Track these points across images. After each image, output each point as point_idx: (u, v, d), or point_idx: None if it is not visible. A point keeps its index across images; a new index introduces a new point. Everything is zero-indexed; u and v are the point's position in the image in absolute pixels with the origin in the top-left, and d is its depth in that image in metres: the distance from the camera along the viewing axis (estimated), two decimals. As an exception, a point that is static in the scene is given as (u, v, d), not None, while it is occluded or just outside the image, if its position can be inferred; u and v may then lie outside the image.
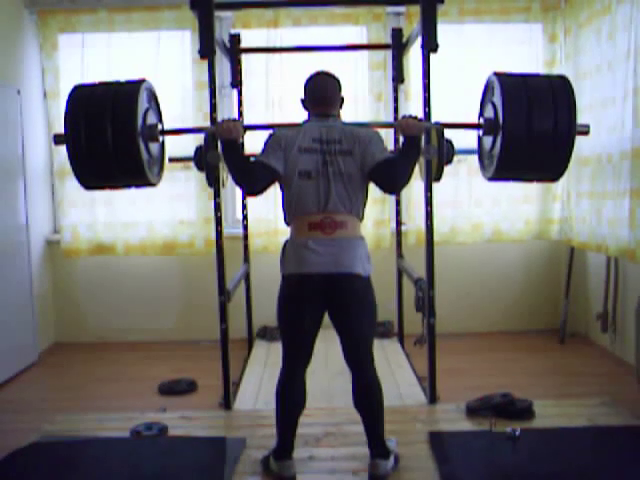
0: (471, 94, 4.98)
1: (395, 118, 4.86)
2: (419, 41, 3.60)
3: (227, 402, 3.75)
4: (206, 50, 3.54)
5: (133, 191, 5.04)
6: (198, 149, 3.95)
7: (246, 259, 4.89)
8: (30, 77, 4.98)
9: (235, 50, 4.71)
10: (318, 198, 2.75)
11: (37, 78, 5.08)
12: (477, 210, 5.12)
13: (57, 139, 2.79)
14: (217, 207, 3.69)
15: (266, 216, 5.13)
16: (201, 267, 4.52)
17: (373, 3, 4.91)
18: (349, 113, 5.06)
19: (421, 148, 2.89)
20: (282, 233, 5.12)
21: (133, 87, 2.87)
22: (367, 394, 2.83)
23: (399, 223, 4.97)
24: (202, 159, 3.80)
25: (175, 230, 5.16)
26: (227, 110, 5.17)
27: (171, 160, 4.25)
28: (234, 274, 4.12)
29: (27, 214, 4.75)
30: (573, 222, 4.84)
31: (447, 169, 3.94)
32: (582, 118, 4.59)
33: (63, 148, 4.97)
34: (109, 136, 2.71)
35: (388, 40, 4.86)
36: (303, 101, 2.95)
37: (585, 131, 2.87)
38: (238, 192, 5.05)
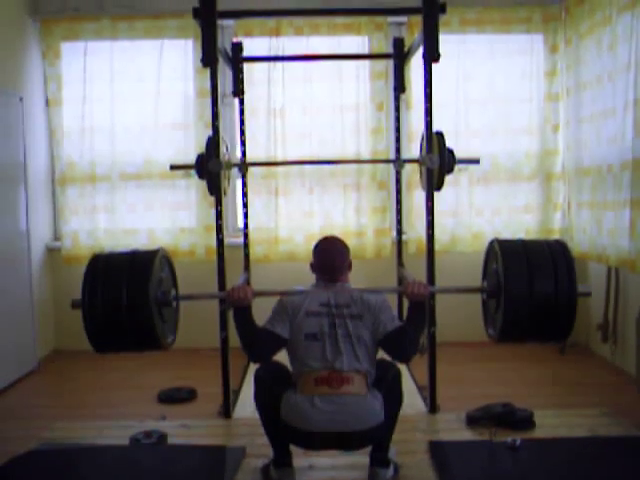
0: (472, 104, 5.06)
1: (397, 128, 4.88)
2: (421, 51, 3.61)
3: (227, 410, 3.74)
4: (208, 59, 3.55)
5: (134, 198, 5.14)
6: (200, 157, 3.96)
7: (246, 267, 4.89)
8: (33, 85, 5.00)
9: (237, 59, 4.73)
10: (325, 357, 2.76)
11: (40, 86, 5.10)
12: (478, 219, 5.12)
13: (74, 304, 2.86)
14: (218, 215, 3.70)
15: (267, 224, 5.14)
16: (202, 275, 4.51)
17: (375, 13, 4.93)
18: (350, 122, 5.10)
19: (427, 313, 2.96)
20: (282, 241, 5.14)
21: (148, 257, 2.95)
22: (387, 402, 2.81)
23: (400, 232, 4.98)
24: (204, 167, 3.80)
25: (176, 238, 5.16)
26: (229, 118, 5.19)
27: (172, 168, 4.27)
28: (234, 282, 4.12)
29: (28, 221, 4.75)
30: (573, 232, 4.84)
31: (448, 178, 3.96)
32: (583, 129, 4.66)
33: (64, 155, 5.09)
34: (124, 306, 2.80)
35: (390, 50, 4.89)
36: (312, 265, 3.02)
37: (587, 293, 2.93)
38: (239, 200, 5.05)
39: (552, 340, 3.10)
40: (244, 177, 4.80)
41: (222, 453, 3.25)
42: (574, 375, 4.45)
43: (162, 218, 5.17)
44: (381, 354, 2.87)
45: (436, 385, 3.73)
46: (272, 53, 5.04)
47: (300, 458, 3.00)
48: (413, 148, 4.98)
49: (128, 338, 2.88)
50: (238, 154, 4.92)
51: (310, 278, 3.04)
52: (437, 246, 3.77)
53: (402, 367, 4.45)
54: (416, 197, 5.06)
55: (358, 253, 5.00)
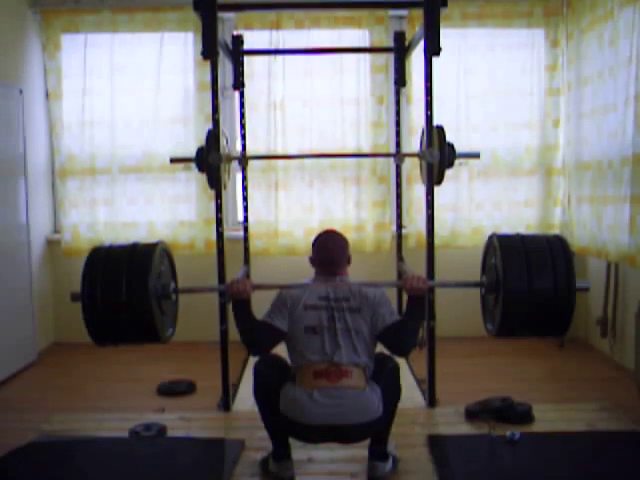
0: (473, 98, 5.05)
1: (397, 122, 4.88)
2: (421, 45, 3.61)
3: (226, 403, 3.75)
4: (209, 51, 3.54)
5: (134, 191, 5.13)
6: (200, 150, 3.95)
7: (246, 261, 4.89)
8: (32, 77, 4.99)
9: (238, 52, 4.72)
10: (324, 350, 2.77)
11: (39, 78, 5.09)
12: (478, 214, 5.12)
13: (74, 296, 2.87)
14: (218, 208, 3.69)
15: (267, 218, 5.13)
16: (201, 268, 4.53)
17: (376, 6, 4.92)
18: (350, 115, 5.09)
19: (425, 308, 3.01)
20: (282, 235, 5.14)
21: (148, 250, 2.96)
22: (386, 395, 2.82)
23: (400, 226, 4.98)
24: (204, 160, 3.80)
25: (175, 231, 5.16)
26: (229, 112, 5.18)
27: (172, 161, 4.26)
28: (234, 275, 4.12)
29: (28, 213, 4.75)
30: (573, 227, 4.84)
31: (448, 172, 3.95)
32: (583, 124, 4.66)
33: (64, 148, 5.09)
34: (123, 299, 2.81)
35: (390, 43, 4.88)
36: (311, 259, 3.02)
37: (586, 288, 2.92)
38: (239, 194, 5.05)
39: (550, 335, 3.10)
40: (244, 170, 4.80)
41: (221, 446, 3.26)
42: (573, 370, 4.46)
43: (162, 211, 5.16)
44: (380, 348, 2.87)
45: (435, 379, 3.73)
46: (272, 46, 5.03)
47: (299, 451, 3.01)
48: (413, 142, 4.97)
49: (127, 331, 2.89)
50: (238, 147, 4.91)
51: (309, 272, 3.05)
52: (437, 240, 3.77)
53: (401, 361, 4.47)
54: (416, 191, 5.05)
55: (358, 247, 5.00)
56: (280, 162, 5.08)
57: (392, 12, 5.07)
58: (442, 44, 3.53)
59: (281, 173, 5.11)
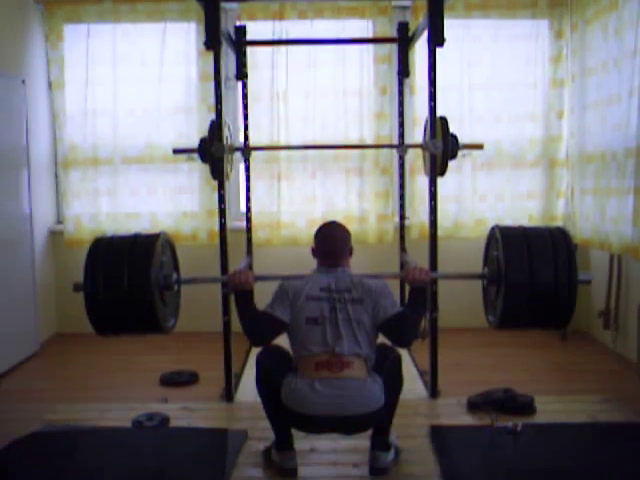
0: (476, 89, 5.03)
1: (400, 113, 4.86)
2: (425, 35, 3.59)
3: (229, 394, 3.76)
4: (212, 41, 3.53)
5: (136, 182, 5.13)
6: (203, 141, 3.95)
7: (249, 251, 4.89)
8: (35, 67, 4.98)
9: (240, 42, 4.71)
10: (325, 341, 2.76)
11: (42, 68, 5.08)
12: (481, 205, 5.11)
13: (76, 287, 2.86)
14: (221, 199, 3.69)
15: (269, 209, 5.13)
16: (204, 259, 4.53)
17: (379, -4, 4.91)
18: (353, 106, 5.08)
19: (427, 299, 3.01)
20: (285, 226, 5.13)
21: (150, 241, 2.94)
22: (387, 386, 2.82)
23: (402, 217, 4.97)
24: (207, 151, 3.79)
25: (178, 222, 5.16)
26: (232, 102, 5.17)
27: (175, 152, 4.25)
28: (237, 266, 4.12)
29: (31, 204, 4.75)
30: (576, 219, 4.83)
31: (451, 164, 3.95)
32: (587, 115, 4.64)
33: (67, 138, 5.08)
34: (126, 289, 2.80)
35: (394, 34, 4.86)
36: (313, 250, 3.01)
37: (587, 280, 2.89)
38: (242, 185, 5.04)
39: (552, 327, 3.10)
40: (247, 161, 4.79)
41: (224, 436, 3.26)
42: (575, 362, 4.46)
43: (164, 202, 5.16)
44: (382, 339, 2.87)
45: (437, 370, 3.74)
46: (275, 37, 5.01)
47: (301, 441, 3.02)
48: (417, 133, 4.96)
49: (129, 321, 2.89)
50: (241, 138, 4.90)
51: (312, 263, 3.04)
52: (440, 232, 3.78)
53: (403, 352, 4.47)
54: (419, 182, 5.04)
55: (360, 238, 4.99)
56: (283, 153, 5.07)
57: (396, 2, 5.06)
58: (446, 35, 3.52)
59: (284, 164, 5.11)
